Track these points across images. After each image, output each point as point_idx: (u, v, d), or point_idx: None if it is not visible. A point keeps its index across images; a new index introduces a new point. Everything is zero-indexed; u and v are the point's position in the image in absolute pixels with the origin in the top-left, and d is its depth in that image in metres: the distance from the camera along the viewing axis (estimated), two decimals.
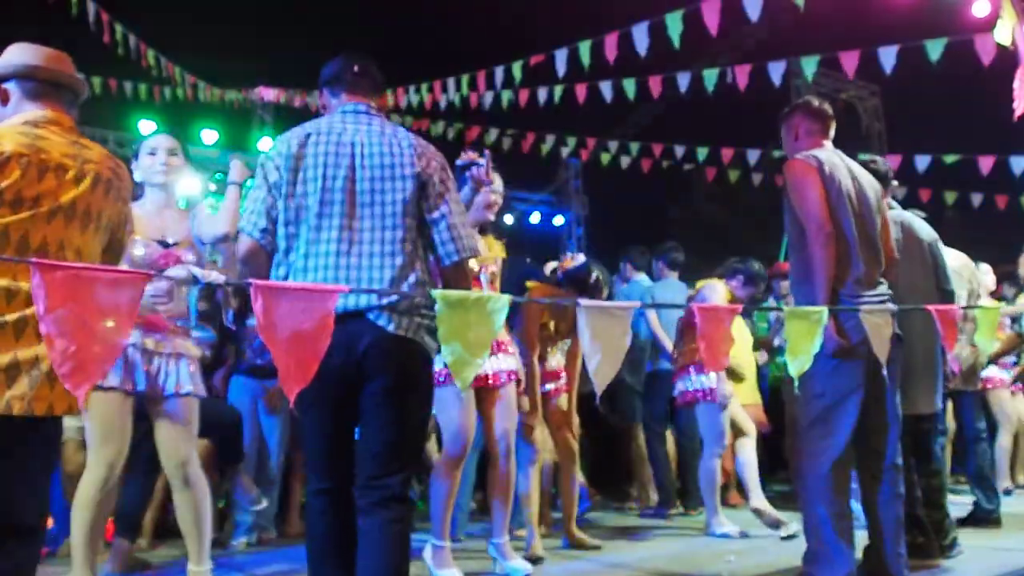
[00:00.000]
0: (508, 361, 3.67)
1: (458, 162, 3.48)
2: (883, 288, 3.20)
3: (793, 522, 4.16)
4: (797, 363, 2.83)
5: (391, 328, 2.30)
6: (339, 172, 2.36)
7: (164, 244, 3.11)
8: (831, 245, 3.02)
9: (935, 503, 3.73)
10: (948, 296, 3.84)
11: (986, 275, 5.50)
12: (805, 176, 3.12)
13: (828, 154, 3.22)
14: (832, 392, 3.01)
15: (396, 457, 2.30)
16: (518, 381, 3.75)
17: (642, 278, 6.20)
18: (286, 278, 2.36)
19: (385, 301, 2.29)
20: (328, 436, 2.38)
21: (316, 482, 2.42)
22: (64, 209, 2.12)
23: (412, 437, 2.41)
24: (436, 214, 2.43)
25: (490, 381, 3.59)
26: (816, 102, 3.45)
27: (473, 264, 3.37)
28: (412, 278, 2.36)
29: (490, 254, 3.69)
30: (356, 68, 2.56)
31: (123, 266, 2.94)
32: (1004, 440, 5.94)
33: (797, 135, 3.38)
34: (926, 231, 3.88)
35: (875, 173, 3.78)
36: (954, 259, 4.33)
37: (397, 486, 2.27)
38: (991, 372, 5.77)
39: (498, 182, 3.73)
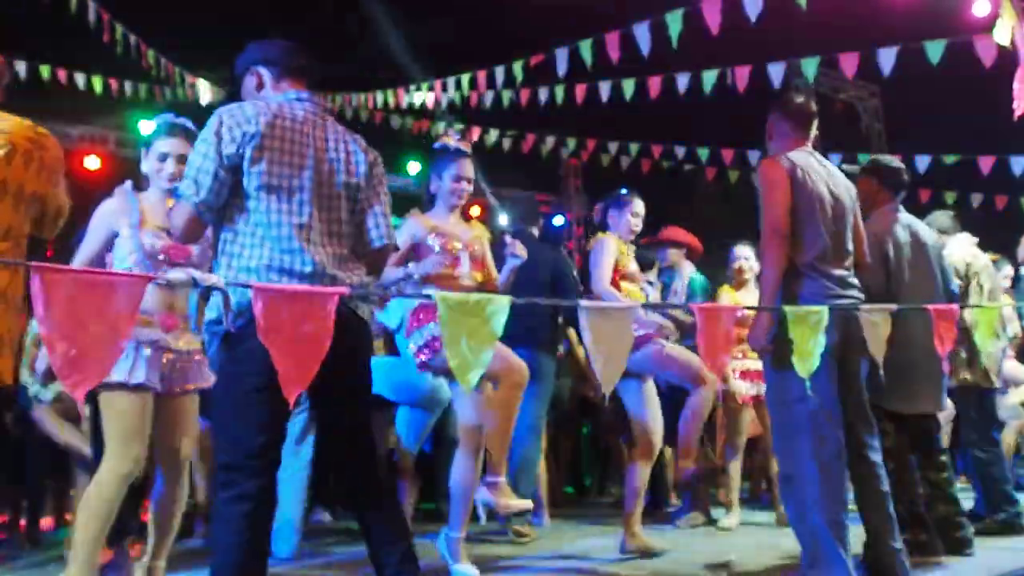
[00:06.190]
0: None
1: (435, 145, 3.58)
2: (855, 291, 3.17)
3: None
4: (805, 364, 2.82)
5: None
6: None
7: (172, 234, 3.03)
8: (783, 248, 3.04)
9: (944, 497, 3.74)
10: (953, 297, 3.85)
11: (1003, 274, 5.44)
12: (774, 177, 3.11)
13: (803, 156, 3.19)
14: (812, 396, 2.93)
15: None
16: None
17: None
18: None
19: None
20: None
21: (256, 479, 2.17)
22: None
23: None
24: None
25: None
26: (794, 100, 3.37)
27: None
28: None
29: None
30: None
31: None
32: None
33: (771, 135, 3.36)
34: (931, 235, 3.88)
35: (901, 180, 3.80)
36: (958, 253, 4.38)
37: None
38: None
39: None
